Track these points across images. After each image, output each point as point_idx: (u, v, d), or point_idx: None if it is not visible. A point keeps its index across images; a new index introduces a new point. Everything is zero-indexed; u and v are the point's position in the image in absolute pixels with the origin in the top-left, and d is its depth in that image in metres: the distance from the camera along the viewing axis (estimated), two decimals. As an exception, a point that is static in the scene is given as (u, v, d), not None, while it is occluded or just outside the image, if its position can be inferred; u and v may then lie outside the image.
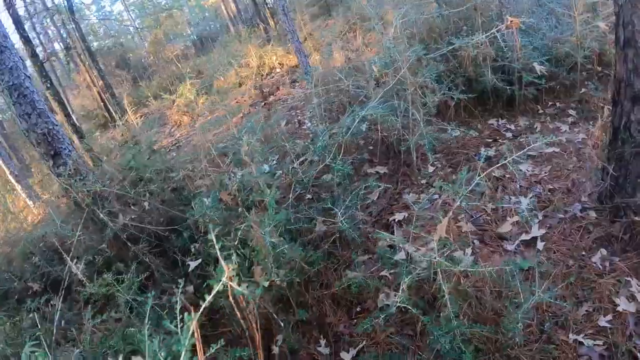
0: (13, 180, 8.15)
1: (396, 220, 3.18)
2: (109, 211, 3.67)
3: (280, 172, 3.39)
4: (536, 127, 3.79)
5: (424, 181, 3.45)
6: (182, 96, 9.85)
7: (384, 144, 3.79)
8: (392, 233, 3.09)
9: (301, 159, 3.25)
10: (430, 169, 3.57)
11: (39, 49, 13.37)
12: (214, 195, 3.10)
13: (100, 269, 3.59)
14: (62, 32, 12.80)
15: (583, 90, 4.01)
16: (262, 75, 10.05)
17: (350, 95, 3.86)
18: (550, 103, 4.05)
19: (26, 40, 6.71)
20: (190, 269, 3.26)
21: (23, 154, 13.25)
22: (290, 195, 3.16)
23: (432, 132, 3.34)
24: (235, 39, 12.27)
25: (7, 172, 8.14)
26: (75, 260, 3.49)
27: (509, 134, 3.80)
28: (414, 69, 3.36)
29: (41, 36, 14.50)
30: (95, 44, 19.29)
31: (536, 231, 2.64)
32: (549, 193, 2.91)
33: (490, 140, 3.76)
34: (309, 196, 3.30)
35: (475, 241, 2.76)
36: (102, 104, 12.12)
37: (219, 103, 9.48)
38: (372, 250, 3.03)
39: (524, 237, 2.63)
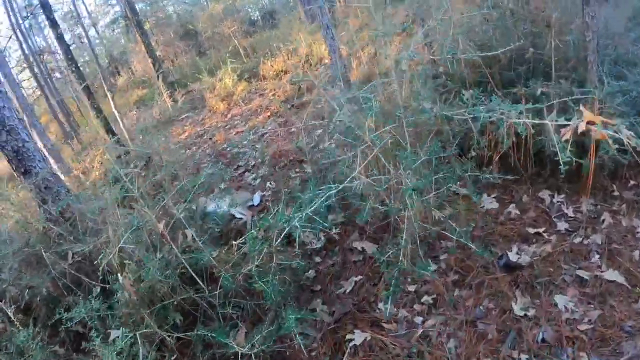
0: (46, 154, 8.02)
1: (351, 344, 2.22)
2: (59, 249, 3.12)
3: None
4: (603, 220, 2.58)
5: (412, 288, 2.41)
6: (222, 81, 9.17)
7: (379, 216, 2.79)
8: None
9: (241, 239, 2.34)
10: (432, 265, 2.52)
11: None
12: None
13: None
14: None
15: (685, 166, 2.72)
16: (311, 64, 9.09)
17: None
18: (631, 182, 2.78)
19: (53, 23, 6.29)
20: (111, 338, 2.57)
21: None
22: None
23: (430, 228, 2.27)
24: (296, 19, 11.35)
25: (41, 145, 8.01)
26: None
27: (561, 225, 2.61)
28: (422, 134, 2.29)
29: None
30: (170, 8, 19.24)
31: None
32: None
33: (532, 232, 2.61)
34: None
35: None
36: (155, 75, 11.80)
37: (256, 92, 8.72)
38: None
39: None
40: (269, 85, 8.56)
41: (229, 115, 8.08)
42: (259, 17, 16.77)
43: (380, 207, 2.24)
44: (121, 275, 2.40)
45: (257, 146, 5.77)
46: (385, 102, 2.18)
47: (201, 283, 2.42)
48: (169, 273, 2.34)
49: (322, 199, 1.59)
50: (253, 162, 5.26)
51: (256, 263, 1.91)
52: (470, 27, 3.74)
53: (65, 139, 12.00)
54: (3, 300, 2.92)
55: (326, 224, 1.57)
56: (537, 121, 1.74)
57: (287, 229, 1.66)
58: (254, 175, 4.90)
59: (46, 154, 7.93)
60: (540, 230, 2.59)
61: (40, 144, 7.93)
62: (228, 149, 6.17)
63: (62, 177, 7.82)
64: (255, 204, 4.22)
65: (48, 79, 13.20)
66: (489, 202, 2.92)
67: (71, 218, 3.17)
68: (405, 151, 1.95)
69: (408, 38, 7.64)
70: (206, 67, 10.90)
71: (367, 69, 7.07)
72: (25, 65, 13.12)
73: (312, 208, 1.56)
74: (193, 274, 2.40)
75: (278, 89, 7.84)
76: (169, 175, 3.16)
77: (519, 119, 1.80)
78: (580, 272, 2.25)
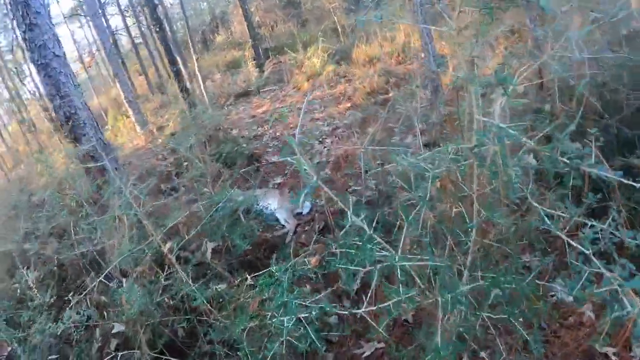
0: (127, 105, 8.30)
1: None
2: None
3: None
4: None
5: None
6: (310, 59, 8.85)
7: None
8: None
9: (255, 275, 2.06)
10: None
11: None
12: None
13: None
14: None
15: None
16: (406, 55, 8.48)
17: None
18: None
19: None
20: (114, 331, 2.47)
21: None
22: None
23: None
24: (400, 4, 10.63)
25: (123, 97, 8.30)
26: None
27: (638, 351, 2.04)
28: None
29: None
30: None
31: None
32: None
33: (600, 351, 2.05)
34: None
35: None
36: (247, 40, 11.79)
37: (344, 77, 8.31)
38: None
39: None
40: (358, 72, 8.11)
41: (310, 97, 7.78)
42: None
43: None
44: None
45: (327, 140, 5.44)
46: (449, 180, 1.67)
47: (209, 306, 2.19)
48: (170, 295, 2.12)
49: (316, 310, 1.22)
50: (318, 159, 4.93)
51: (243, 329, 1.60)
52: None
53: (152, 92, 12.42)
54: (28, 267, 2.92)
55: (319, 344, 1.18)
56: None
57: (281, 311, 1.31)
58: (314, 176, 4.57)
59: (126, 105, 8.21)
60: (611, 351, 2.02)
61: (122, 95, 8.23)
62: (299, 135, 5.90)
63: (138, 129, 8.08)
64: (304, 212, 3.90)
65: (147, 30, 13.63)
66: (563, 290, 2.37)
67: (98, 201, 3.08)
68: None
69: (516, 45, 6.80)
70: (302, 40, 10.63)
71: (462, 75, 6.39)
72: (125, 14, 13.67)
73: (305, 315, 1.19)
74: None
75: (366, 79, 7.37)
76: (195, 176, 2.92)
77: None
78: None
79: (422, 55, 5.73)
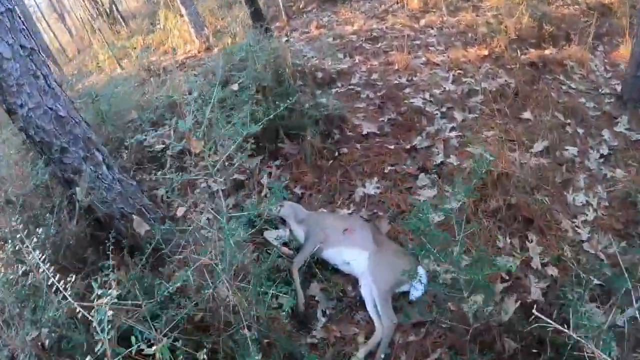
0: (179, 3, 6.30)
1: None
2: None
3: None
4: None
5: None
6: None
7: None
8: None
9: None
10: None
11: None
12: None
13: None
14: None
15: None
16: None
17: None
18: None
19: None
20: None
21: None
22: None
23: None
24: None
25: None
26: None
27: None
28: None
29: None
30: None
31: None
32: None
33: None
34: None
35: None
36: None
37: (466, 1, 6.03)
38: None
39: None
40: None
41: (422, 22, 5.61)
42: None
43: None
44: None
45: (454, 113, 3.52)
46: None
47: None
48: None
49: None
50: (440, 156, 3.04)
51: None
52: None
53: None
54: None
55: None
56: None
57: None
58: (431, 192, 2.69)
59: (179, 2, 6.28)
60: None
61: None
62: (407, 90, 3.97)
63: (192, 32, 6.19)
64: (414, 295, 2.09)
65: None
66: None
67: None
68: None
69: None
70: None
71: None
72: None
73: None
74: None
75: (506, 16, 5.12)
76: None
77: None
78: None
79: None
